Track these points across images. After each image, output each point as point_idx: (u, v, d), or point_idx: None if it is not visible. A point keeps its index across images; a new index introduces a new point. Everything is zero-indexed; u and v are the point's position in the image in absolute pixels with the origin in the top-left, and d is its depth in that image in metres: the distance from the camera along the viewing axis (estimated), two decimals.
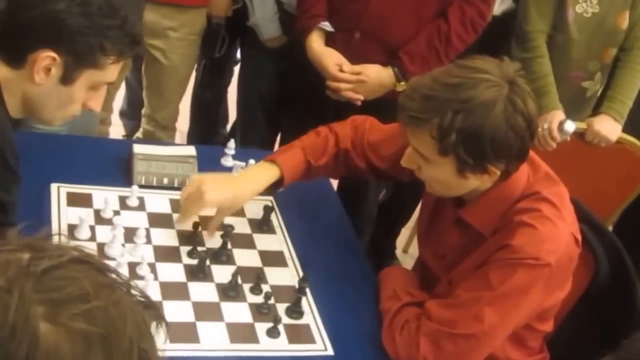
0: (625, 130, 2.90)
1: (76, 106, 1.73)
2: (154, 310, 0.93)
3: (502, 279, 1.72)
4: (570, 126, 2.79)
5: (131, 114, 3.78)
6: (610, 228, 3.19)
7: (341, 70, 2.58)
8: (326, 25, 2.63)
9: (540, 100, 2.80)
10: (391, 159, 2.04)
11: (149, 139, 3.23)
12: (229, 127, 3.87)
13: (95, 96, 1.74)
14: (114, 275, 0.90)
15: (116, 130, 3.73)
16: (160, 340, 0.93)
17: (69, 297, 0.83)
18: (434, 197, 1.95)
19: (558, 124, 2.79)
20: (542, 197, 1.77)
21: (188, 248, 1.99)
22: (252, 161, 2.32)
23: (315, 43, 2.64)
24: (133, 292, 0.91)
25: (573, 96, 2.96)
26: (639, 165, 2.96)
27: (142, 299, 0.92)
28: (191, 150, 2.26)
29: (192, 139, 3.79)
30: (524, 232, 1.72)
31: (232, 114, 3.64)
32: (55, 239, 0.93)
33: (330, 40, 2.66)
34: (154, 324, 0.92)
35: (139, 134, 3.34)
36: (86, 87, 1.68)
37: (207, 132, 3.74)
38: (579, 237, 1.82)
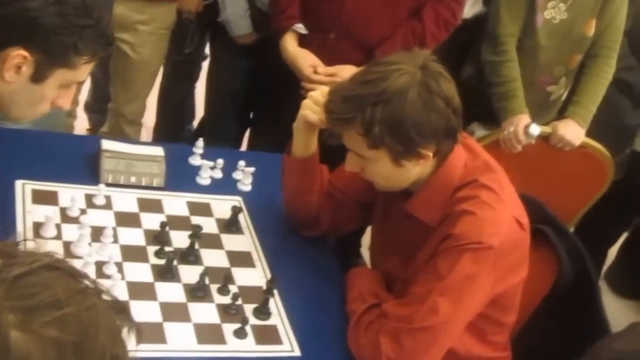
0: (588, 134, 2.95)
1: (45, 104, 1.71)
2: (125, 315, 0.93)
3: (449, 267, 1.76)
4: (536, 130, 2.83)
5: (96, 107, 3.75)
6: (572, 230, 3.25)
7: (316, 72, 2.60)
8: (300, 28, 2.66)
9: (506, 104, 2.86)
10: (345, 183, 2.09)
11: (115, 134, 3.21)
12: (195, 123, 3.86)
13: (65, 94, 1.73)
14: (86, 281, 0.90)
15: (80, 123, 3.70)
16: (132, 344, 0.93)
17: (40, 304, 0.83)
18: (384, 195, 1.99)
19: (524, 127, 2.83)
20: (480, 184, 1.82)
21: (156, 248, 1.98)
22: (220, 160, 2.32)
23: (290, 44, 2.66)
24: (105, 297, 0.91)
25: (539, 100, 2.99)
26: (601, 169, 3.01)
27: (114, 304, 0.92)
28: (159, 150, 2.25)
29: (158, 135, 3.77)
30: (465, 219, 1.77)
31: (199, 110, 3.63)
32: (27, 244, 0.93)
33: (305, 41, 2.67)
34: (125, 329, 0.92)
35: (104, 129, 3.32)
36: (57, 86, 1.67)
37: (173, 127, 3.72)
38: (524, 221, 1.86)
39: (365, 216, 2.18)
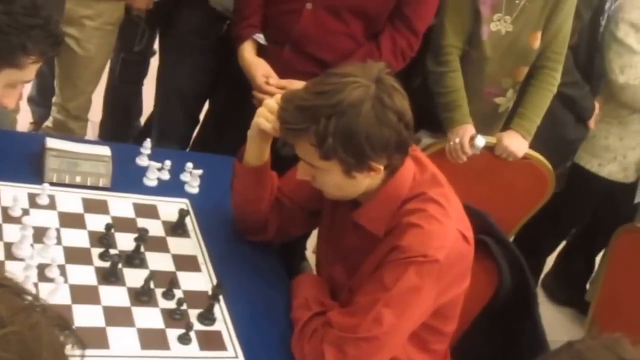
0: (532, 146, 3.00)
1: None
2: (70, 331, 0.92)
3: (394, 279, 1.78)
4: (481, 141, 2.87)
5: (40, 101, 3.70)
6: (511, 239, 3.30)
7: (268, 83, 2.61)
8: (260, 38, 2.68)
9: (451, 114, 2.89)
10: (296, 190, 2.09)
11: (59, 129, 3.16)
12: (142, 119, 3.83)
13: (11, 94, 1.70)
14: (30, 298, 0.89)
15: (24, 116, 3.63)
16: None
17: None
18: (332, 203, 2.00)
19: (469, 138, 2.86)
20: (427, 197, 1.84)
21: (100, 250, 1.96)
22: (167, 162, 2.31)
23: (247, 52, 2.68)
24: (50, 314, 0.90)
25: (486, 111, 3.03)
26: (543, 181, 3.07)
27: (58, 321, 0.91)
28: (106, 150, 2.22)
29: (104, 130, 3.74)
30: (412, 232, 1.79)
31: (147, 107, 3.60)
32: None
33: (262, 51, 2.68)
34: (69, 345, 0.92)
35: (48, 123, 3.26)
36: (2, 86, 1.65)
37: (120, 124, 3.69)
38: (468, 235, 1.88)
39: (313, 222, 2.19)
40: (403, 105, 1.78)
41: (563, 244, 3.94)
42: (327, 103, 1.74)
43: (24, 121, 3.66)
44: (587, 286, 3.87)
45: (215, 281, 1.99)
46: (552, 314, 3.84)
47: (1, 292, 0.86)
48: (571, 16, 2.97)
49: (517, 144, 2.93)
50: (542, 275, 3.97)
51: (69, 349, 0.91)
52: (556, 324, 3.75)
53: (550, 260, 3.99)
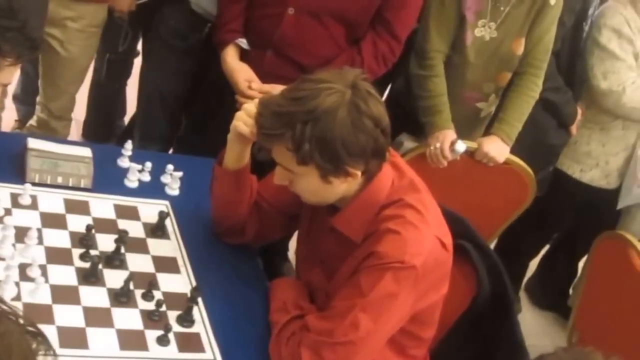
0: (513, 151, 3.01)
1: None
2: (42, 338, 0.93)
3: (371, 284, 1.79)
4: (461, 146, 2.88)
5: (25, 100, 3.71)
6: (492, 245, 3.33)
7: (250, 87, 2.62)
8: (242, 42, 2.69)
9: (432, 119, 2.90)
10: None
11: (42, 128, 3.17)
12: (126, 119, 3.83)
13: None
14: (2, 306, 0.90)
15: (9, 114, 3.63)
16: None
17: None
18: (310, 207, 2.01)
19: (449, 143, 2.88)
20: (405, 203, 1.85)
21: (81, 250, 1.96)
22: (148, 164, 2.32)
23: (230, 57, 2.69)
24: (21, 321, 0.91)
25: (467, 116, 3.04)
26: (523, 186, 3.08)
27: (30, 329, 0.92)
28: (87, 151, 2.23)
29: (88, 130, 3.74)
30: (389, 238, 1.80)
31: (131, 107, 3.61)
32: None
33: (245, 55, 2.70)
34: (42, 353, 0.92)
35: (32, 122, 3.27)
36: None
37: (104, 123, 3.69)
38: (446, 241, 1.90)
39: (291, 226, 2.20)
40: (379, 111, 1.79)
41: (547, 248, 3.96)
42: (302, 109, 1.75)
43: (8, 119, 3.66)
44: (570, 291, 3.89)
45: (194, 283, 2.00)
46: (535, 318, 3.87)
47: None
48: (555, 23, 2.98)
49: (497, 149, 2.95)
50: (526, 280, 3.98)
51: (41, 357, 0.91)
52: (539, 328, 3.78)
53: (534, 265, 4.01)
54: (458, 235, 2.04)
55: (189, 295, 1.92)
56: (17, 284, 1.80)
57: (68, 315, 1.79)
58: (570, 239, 3.83)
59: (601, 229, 3.10)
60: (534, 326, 3.72)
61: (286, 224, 2.17)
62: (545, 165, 3.36)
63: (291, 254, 3.57)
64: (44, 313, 1.77)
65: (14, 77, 1.70)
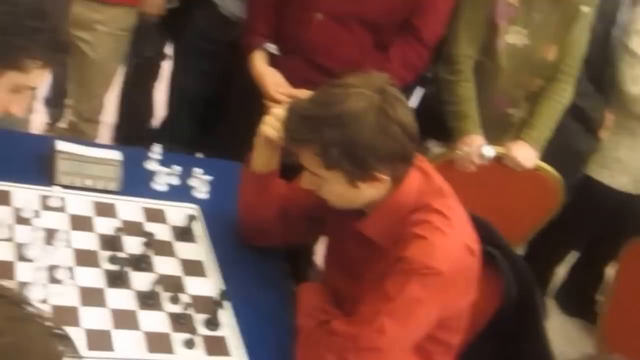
0: (541, 157, 2.99)
1: None
2: (68, 341, 0.93)
3: (398, 290, 1.78)
4: (489, 151, 2.87)
5: (55, 102, 3.73)
6: (520, 252, 3.30)
7: (279, 92, 2.64)
8: (271, 47, 2.70)
9: (460, 124, 2.89)
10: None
11: (72, 130, 3.19)
12: (155, 122, 3.85)
13: (19, 100, 1.68)
14: (29, 309, 0.90)
15: (38, 117, 3.67)
16: None
17: None
18: (337, 211, 2.00)
19: (477, 148, 2.87)
20: (432, 209, 1.84)
21: (108, 253, 1.98)
22: (176, 167, 2.33)
23: (258, 61, 2.70)
24: (48, 324, 0.91)
25: (497, 121, 3.03)
26: (552, 192, 3.06)
27: (56, 332, 0.92)
28: (116, 154, 2.24)
29: (117, 132, 3.77)
30: (416, 243, 1.79)
31: (159, 110, 3.63)
32: None
33: (273, 60, 2.71)
34: (67, 357, 0.93)
35: (63, 124, 3.29)
36: (8, 90, 1.63)
37: (133, 126, 3.71)
38: (473, 247, 1.88)
39: (317, 230, 2.20)
40: (407, 116, 1.79)
41: (574, 254, 3.93)
42: (330, 113, 1.75)
43: (39, 122, 3.69)
44: (598, 297, 3.86)
45: (221, 287, 2.01)
46: (563, 325, 3.83)
47: (0, 302, 0.86)
48: (587, 30, 2.97)
49: (526, 154, 2.93)
50: (554, 286, 3.96)
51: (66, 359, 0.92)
52: (566, 335, 3.74)
53: (562, 271, 3.98)
54: (485, 241, 2.03)
55: (215, 298, 1.93)
56: (44, 286, 1.81)
57: (94, 318, 1.80)
58: (597, 245, 3.80)
59: (630, 234, 3.07)
60: (561, 333, 3.69)
61: (312, 228, 2.17)
62: (573, 171, 3.34)
63: (317, 258, 3.57)
64: (71, 315, 1.78)
65: (43, 80, 1.70)
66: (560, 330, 3.69)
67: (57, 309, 1.77)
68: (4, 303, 0.86)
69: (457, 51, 2.91)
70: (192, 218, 2.15)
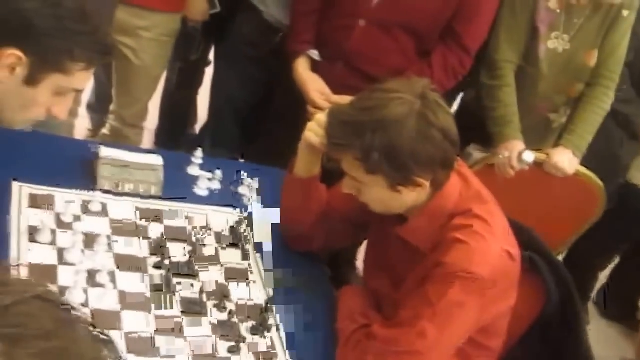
0: (582, 163, 2.96)
1: (39, 110, 1.68)
2: (112, 347, 0.94)
3: (439, 294, 1.78)
4: (529, 156, 2.85)
5: (99, 108, 3.77)
6: (560, 258, 3.27)
7: (322, 98, 2.65)
8: (314, 54, 2.73)
9: (501, 129, 2.88)
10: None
11: (115, 136, 3.22)
12: (197, 127, 3.89)
13: (61, 102, 1.69)
14: (75, 313, 0.91)
15: (81, 123, 3.72)
16: None
17: (28, 335, 0.83)
18: (379, 216, 2.01)
19: (518, 153, 2.85)
20: (473, 214, 1.85)
21: (152, 258, 1.98)
22: (218, 172, 2.34)
23: (302, 68, 2.73)
24: (94, 330, 0.92)
25: (538, 126, 3.02)
26: (593, 198, 3.03)
27: (101, 337, 0.93)
28: (158, 159, 2.25)
29: (160, 138, 3.80)
30: (457, 248, 1.80)
31: (202, 115, 3.66)
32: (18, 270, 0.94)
33: (315, 66, 2.73)
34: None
35: (105, 130, 3.33)
36: (51, 92, 1.64)
37: (175, 132, 3.75)
38: (514, 252, 1.88)
39: (359, 235, 2.20)
40: (448, 122, 1.79)
41: (616, 260, 3.89)
42: (371, 118, 1.75)
43: (82, 128, 3.74)
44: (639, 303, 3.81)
45: (266, 293, 2.01)
46: (603, 330, 3.80)
47: (47, 306, 0.87)
48: (628, 34, 2.94)
49: (567, 160, 2.90)
50: (595, 291, 3.92)
51: None
52: (606, 340, 3.71)
53: (603, 276, 3.93)
54: (525, 246, 2.03)
55: (262, 305, 1.93)
56: (85, 290, 1.82)
57: (136, 322, 1.80)
58: (638, 250, 3.75)
59: None
60: (602, 338, 3.65)
61: (354, 232, 2.18)
62: (615, 177, 3.31)
63: (359, 262, 3.57)
64: (111, 319, 1.78)
65: (86, 83, 1.71)
66: (600, 335, 3.64)
67: (98, 313, 1.77)
68: (52, 307, 0.87)
69: (498, 56, 2.90)
70: (236, 224, 2.16)
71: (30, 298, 0.85)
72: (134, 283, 1.91)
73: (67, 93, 1.69)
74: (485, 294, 1.81)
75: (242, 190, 2.35)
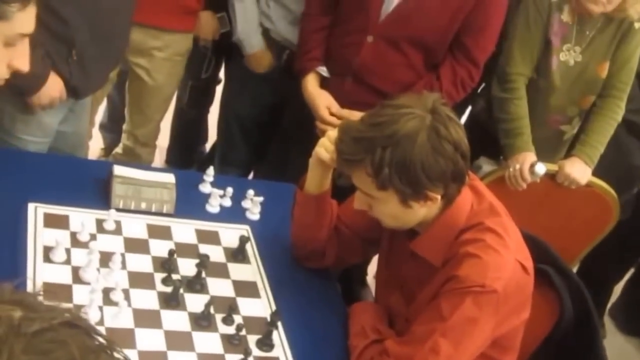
0: (595, 174, 2.97)
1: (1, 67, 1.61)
2: None
3: (452, 309, 1.78)
4: (541, 168, 2.85)
5: (111, 128, 3.81)
6: (574, 269, 3.26)
7: (331, 114, 2.66)
8: (323, 70, 2.75)
9: (512, 141, 2.89)
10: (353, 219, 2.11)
11: (128, 155, 3.25)
12: (208, 145, 3.90)
13: (18, 53, 1.61)
14: (100, 339, 0.92)
15: (95, 142, 3.74)
16: None
17: None
18: (390, 231, 2.01)
19: (529, 165, 2.85)
20: (485, 227, 1.84)
21: (163, 275, 2.00)
22: (229, 189, 2.35)
23: (311, 84, 2.75)
24: (117, 355, 0.93)
25: (550, 139, 3.02)
26: (607, 209, 3.02)
27: None
28: (170, 177, 2.27)
29: (171, 156, 3.82)
30: (469, 262, 1.79)
31: (213, 133, 3.68)
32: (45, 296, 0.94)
33: (324, 82, 2.75)
34: None
35: (118, 150, 3.36)
36: (1, 45, 1.57)
37: (186, 149, 3.77)
38: (527, 265, 1.87)
39: (370, 250, 2.20)
40: (459, 135, 1.79)
41: (631, 272, 3.87)
42: (382, 134, 1.76)
43: (95, 147, 3.77)
44: None
45: (274, 307, 2.02)
46: (619, 343, 3.77)
47: (75, 332, 0.87)
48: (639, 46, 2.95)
49: (579, 171, 2.91)
50: (610, 304, 3.89)
51: None
52: (623, 354, 3.68)
53: (618, 289, 3.91)
54: (539, 259, 2.02)
55: (268, 319, 1.94)
56: (100, 308, 1.84)
57: (149, 339, 1.82)
58: None
59: None
60: (619, 352, 3.63)
61: (365, 248, 2.18)
62: (629, 187, 3.30)
63: (370, 278, 3.57)
64: (127, 337, 1.80)
65: (31, 24, 1.59)
66: (616, 348, 3.62)
67: (113, 331, 1.79)
68: (79, 333, 0.87)
69: (511, 69, 2.91)
70: (244, 239, 2.17)
71: (58, 325, 0.85)
72: (146, 300, 1.93)
73: (17, 41, 1.61)
74: (498, 308, 1.80)
75: (247, 205, 2.36)
